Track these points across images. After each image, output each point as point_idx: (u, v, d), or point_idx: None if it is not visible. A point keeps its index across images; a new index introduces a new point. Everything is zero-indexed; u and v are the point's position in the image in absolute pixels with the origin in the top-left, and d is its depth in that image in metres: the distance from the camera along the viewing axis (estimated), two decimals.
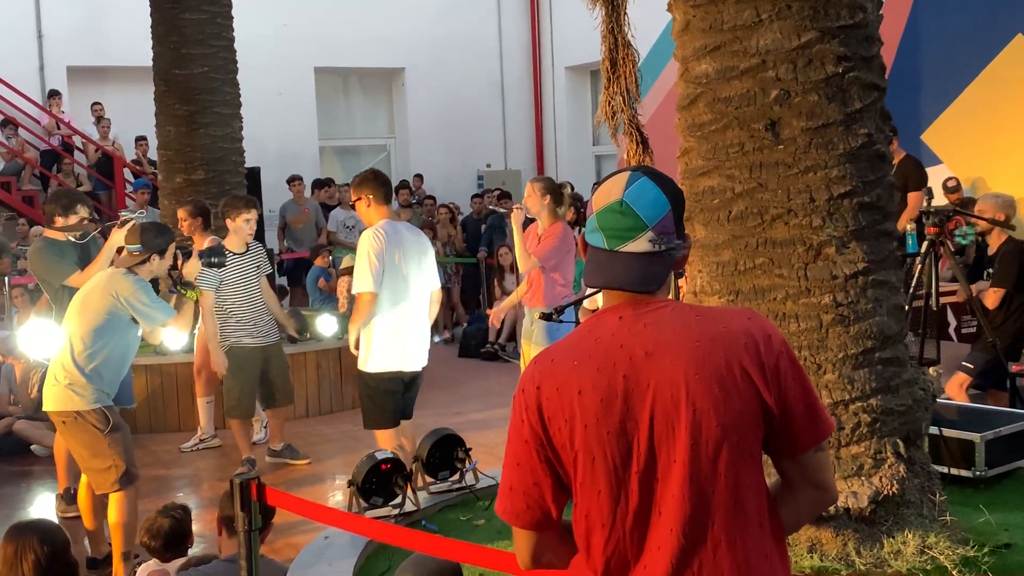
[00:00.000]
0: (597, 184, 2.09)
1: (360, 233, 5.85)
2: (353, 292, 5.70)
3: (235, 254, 6.89)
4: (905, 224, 8.02)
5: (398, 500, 4.70)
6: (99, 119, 14.39)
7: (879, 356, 3.85)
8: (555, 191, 6.55)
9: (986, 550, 3.78)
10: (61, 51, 14.42)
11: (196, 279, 5.59)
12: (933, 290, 6.16)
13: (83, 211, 6.13)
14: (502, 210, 9.50)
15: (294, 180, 13.43)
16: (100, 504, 5.17)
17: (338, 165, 16.91)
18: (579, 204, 9.24)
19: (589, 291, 5.65)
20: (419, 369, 5.83)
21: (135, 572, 4.52)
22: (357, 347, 5.66)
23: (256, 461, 7.03)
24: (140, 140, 14.24)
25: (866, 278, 3.82)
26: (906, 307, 4.20)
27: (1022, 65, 10.38)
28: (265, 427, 7.65)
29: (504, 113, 17.69)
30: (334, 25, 15.60)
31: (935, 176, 9.92)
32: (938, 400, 4.23)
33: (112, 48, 14.08)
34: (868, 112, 3.84)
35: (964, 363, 6.67)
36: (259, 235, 7.17)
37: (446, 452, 5.08)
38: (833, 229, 3.78)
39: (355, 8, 15.75)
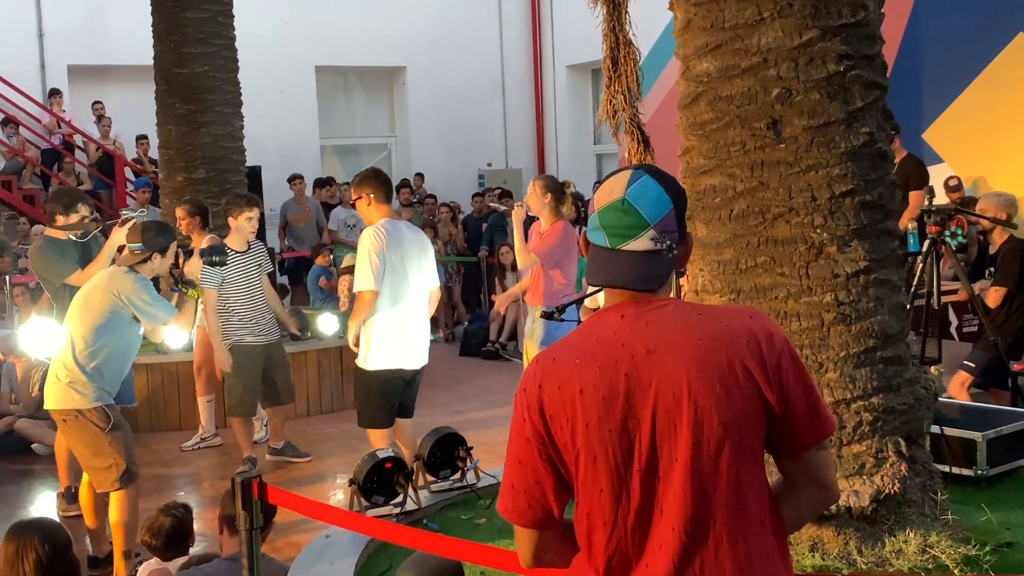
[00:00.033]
0: (599, 183, 2.09)
1: (361, 232, 5.85)
2: (354, 290, 5.71)
3: (237, 252, 6.89)
4: (907, 223, 8.01)
5: (399, 499, 4.70)
6: (100, 118, 14.40)
7: (881, 355, 3.84)
8: (556, 189, 6.55)
9: (988, 549, 3.78)
10: (62, 50, 14.43)
11: (199, 277, 5.59)
12: (935, 289, 6.16)
13: (84, 210, 6.13)
14: (503, 208, 9.50)
15: (295, 179, 13.44)
16: (101, 503, 5.18)
17: (339, 164, 16.92)
18: (580, 203, 9.23)
19: (591, 289, 5.66)
20: (419, 367, 5.83)
21: (136, 571, 4.52)
22: (357, 344, 5.66)
23: (257, 460, 7.04)
24: (141, 139, 14.25)
25: (868, 277, 3.81)
26: (907, 306, 4.20)
27: (1023, 64, 10.37)
28: (265, 425, 7.65)
29: (505, 112, 17.69)
30: (335, 24, 15.61)
31: (936, 175, 9.91)
32: (940, 399, 4.23)
33: (113, 47, 14.09)
34: (870, 111, 3.84)
35: (965, 362, 6.67)
36: (260, 234, 7.17)
37: (447, 451, 5.08)
38: (835, 228, 3.77)
39: (356, 7, 15.75)
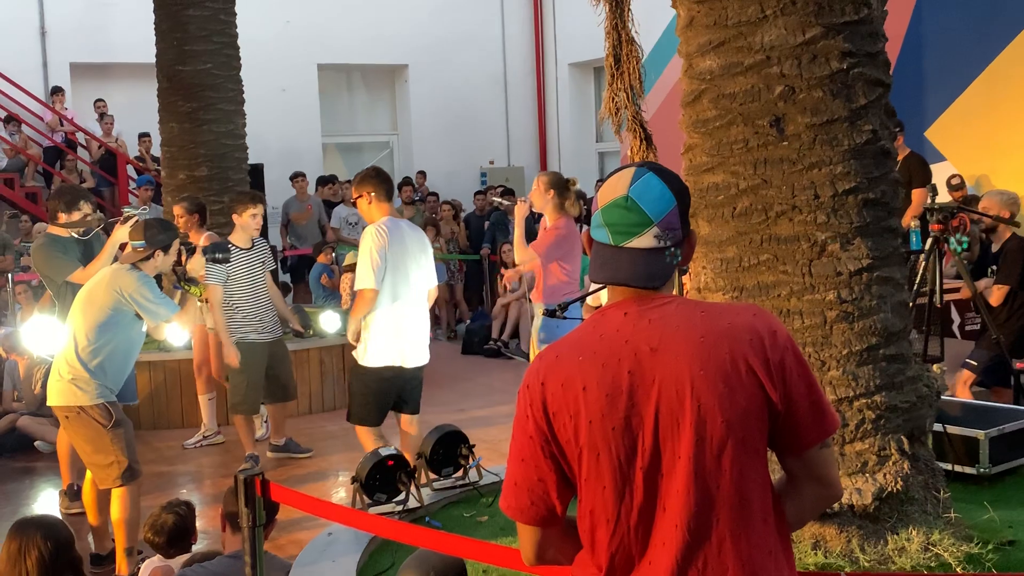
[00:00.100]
0: (601, 181, 2.09)
1: (363, 229, 5.85)
2: (355, 288, 5.71)
3: (241, 249, 6.90)
4: (909, 221, 8.01)
5: (402, 496, 4.70)
6: (102, 115, 14.40)
7: (883, 353, 3.84)
8: (560, 186, 6.55)
9: (990, 547, 3.77)
10: (64, 47, 14.43)
11: (201, 274, 5.59)
12: (937, 287, 6.15)
13: (86, 207, 6.13)
14: (506, 203, 9.47)
15: (297, 177, 13.44)
16: (104, 500, 5.18)
17: (341, 162, 16.91)
18: (582, 201, 9.22)
19: (593, 287, 5.66)
20: (420, 365, 5.83)
21: (139, 568, 4.52)
22: (357, 339, 5.66)
23: (259, 457, 7.05)
24: (143, 136, 14.25)
25: (870, 274, 3.81)
26: (910, 304, 4.19)
27: None
28: (266, 422, 7.66)
29: (507, 110, 17.68)
30: (337, 22, 15.60)
31: (939, 173, 9.91)
32: (942, 397, 4.22)
33: (115, 44, 14.09)
34: (873, 108, 3.83)
35: (968, 360, 6.67)
36: (262, 231, 7.17)
37: (449, 449, 5.08)
38: (838, 225, 3.77)
39: (358, 5, 15.74)
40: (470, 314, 12.70)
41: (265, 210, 7.24)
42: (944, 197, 9.84)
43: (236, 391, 6.96)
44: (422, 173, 15.82)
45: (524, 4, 17.61)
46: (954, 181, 10.26)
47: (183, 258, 5.54)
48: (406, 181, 14.09)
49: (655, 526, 1.93)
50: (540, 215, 6.79)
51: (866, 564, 3.65)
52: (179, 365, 8.13)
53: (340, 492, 6.51)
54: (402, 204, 13.09)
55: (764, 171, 3.81)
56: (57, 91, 14.26)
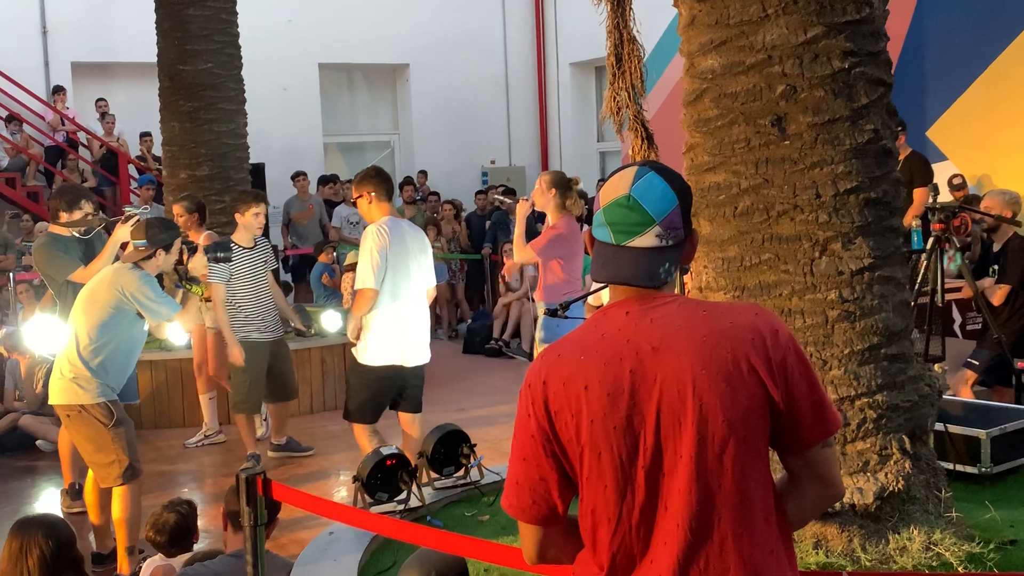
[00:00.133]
0: (602, 180, 2.09)
1: (364, 229, 5.86)
2: (355, 288, 5.71)
3: (244, 248, 6.90)
4: (911, 220, 8.01)
5: (403, 496, 4.70)
6: (103, 115, 14.41)
7: (885, 352, 3.84)
8: (562, 185, 6.54)
9: (992, 547, 3.77)
10: (65, 47, 14.43)
11: (203, 274, 5.60)
12: (939, 286, 6.15)
13: (88, 207, 6.14)
14: (508, 201, 9.46)
15: (298, 176, 13.44)
16: (106, 499, 5.18)
17: (342, 161, 16.92)
18: (583, 200, 9.22)
19: (595, 286, 5.66)
20: (420, 364, 5.83)
21: (140, 567, 4.52)
22: (357, 336, 5.66)
23: (261, 456, 7.05)
24: (145, 136, 14.26)
25: (872, 274, 3.81)
26: (911, 303, 4.19)
27: None
28: (266, 420, 7.66)
29: (508, 109, 17.68)
30: (338, 21, 15.61)
31: (940, 173, 9.91)
32: (943, 396, 4.22)
33: (116, 44, 14.10)
34: (874, 108, 3.83)
35: (969, 359, 6.67)
36: (264, 231, 7.18)
37: (451, 448, 5.08)
38: (839, 225, 3.77)
39: (359, 4, 15.75)
40: (471, 313, 12.71)
41: (267, 209, 7.25)
42: (946, 196, 9.84)
43: (238, 390, 6.96)
44: (423, 173, 15.83)
45: (525, 3, 17.61)
46: (956, 180, 10.26)
47: (184, 257, 5.54)
48: (407, 180, 14.09)
49: (657, 525, 1.93)
50: (543, 214, 6.79)
51: (867, 563, 3.65)
52: (180, 364, 8.13)
53: (341, 491, 6.51)
54: (403, 204, 13.09)
55: (766, 170, 3.81)
56: (58, 90, 14.27)
